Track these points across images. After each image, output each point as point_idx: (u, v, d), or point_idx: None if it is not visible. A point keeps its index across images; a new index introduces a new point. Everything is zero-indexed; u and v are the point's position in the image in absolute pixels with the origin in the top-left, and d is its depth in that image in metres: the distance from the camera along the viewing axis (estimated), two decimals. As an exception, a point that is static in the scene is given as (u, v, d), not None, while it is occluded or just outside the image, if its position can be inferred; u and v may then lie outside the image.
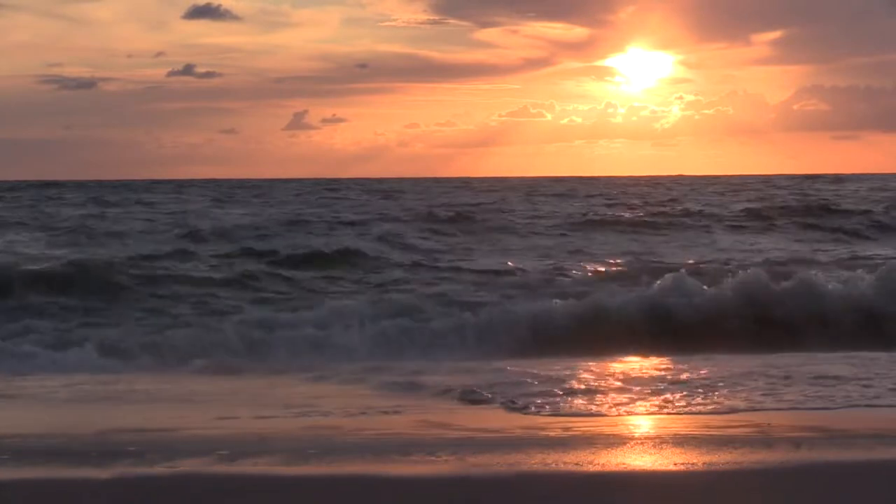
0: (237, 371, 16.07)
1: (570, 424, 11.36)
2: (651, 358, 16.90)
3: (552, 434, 10.85)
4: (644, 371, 15.41)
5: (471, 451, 10.06)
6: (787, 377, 14.34)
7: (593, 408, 12.49)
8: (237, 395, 13.99)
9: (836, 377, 14.27)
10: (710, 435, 10.70)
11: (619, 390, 13.70)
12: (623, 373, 15.18)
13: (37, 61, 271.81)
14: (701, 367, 15.32)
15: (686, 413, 12.15)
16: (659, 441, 10.49)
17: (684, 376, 14.58)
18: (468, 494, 8.60)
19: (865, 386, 13.66)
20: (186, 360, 16.90)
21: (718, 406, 12.44)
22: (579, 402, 12.85)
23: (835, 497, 8.47)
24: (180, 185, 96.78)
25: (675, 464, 9.46)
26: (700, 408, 12.40)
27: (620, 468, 9.39)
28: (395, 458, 9.82)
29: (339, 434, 11.03)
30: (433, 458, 9.79)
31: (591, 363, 16.10)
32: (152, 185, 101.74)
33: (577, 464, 9.43)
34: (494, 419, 11.81)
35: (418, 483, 8.95)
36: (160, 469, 9.30)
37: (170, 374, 15.85)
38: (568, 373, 14.90)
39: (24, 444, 10.53)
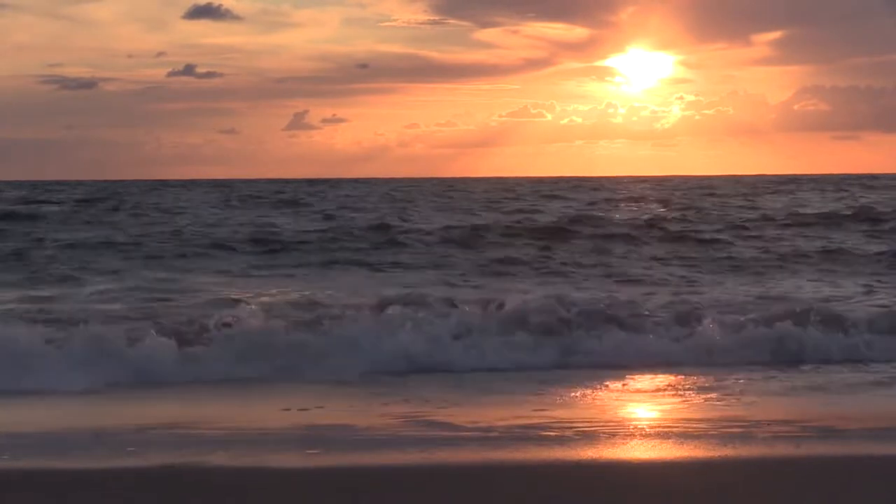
0: None
1: (569, 422, 11.36)
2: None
3: (552, 433, 10.85)
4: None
5: (470, 447, 10.12)
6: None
7: (592, 405, 12.51)
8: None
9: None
10: (709, 431, 10.72)
11: (614, 390, 13.73)
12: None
13: (37, 61, 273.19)
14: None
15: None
16: (659, 437, 10.51)
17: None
18: (468, 488, 8.61)
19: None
20: None
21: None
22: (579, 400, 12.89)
23: (834, 492, 8.48)
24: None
25: (676, 459, 9.48)
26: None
27: (621, 465, 9.40)
28: (394, 455, 9.88)
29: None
30: (430, 455, 9.81)
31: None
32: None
33: (577, 460, 9.44)
34: (492, 416, 11.81)
35: (416, 476, 8.97)
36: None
37: None
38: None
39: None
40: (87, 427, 11.34)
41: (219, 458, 9.63)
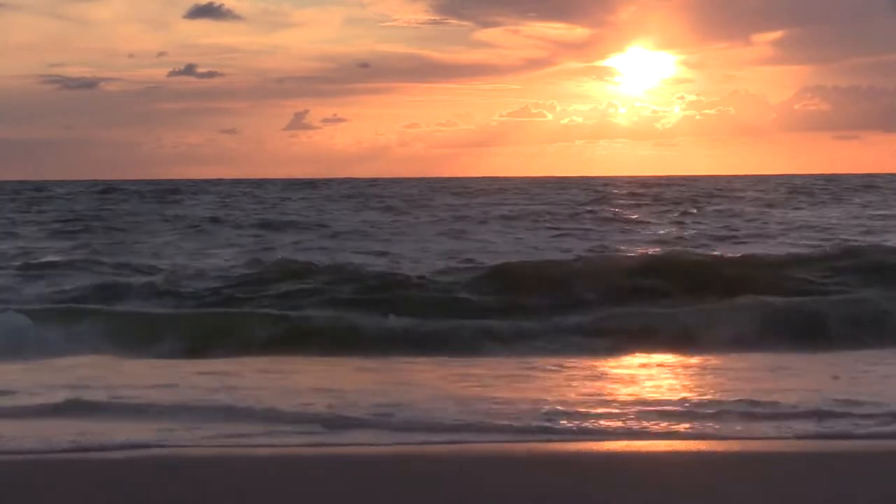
0: None
1: (568, 412, 11.34)
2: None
3: (548, 428, 10.83)
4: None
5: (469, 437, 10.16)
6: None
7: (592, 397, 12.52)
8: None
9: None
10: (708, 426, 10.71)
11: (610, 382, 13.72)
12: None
13: (39, 61, 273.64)
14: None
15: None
16: (656, 431, 10.50)
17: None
18: (467, 477, 8.61)
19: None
20: None
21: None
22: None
23: (833, 487, 8.46)
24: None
25: (672, 451, 9.48)
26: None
27: (619, 456, 9.40)
28: (392, 446, 9.88)
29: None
30: (428, 446, 9.82)
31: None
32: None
33: (577, 452, 9.44)
34: (489, 409, 11.78)
35: (415, 463, 8.97)
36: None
37: None
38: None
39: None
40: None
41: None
